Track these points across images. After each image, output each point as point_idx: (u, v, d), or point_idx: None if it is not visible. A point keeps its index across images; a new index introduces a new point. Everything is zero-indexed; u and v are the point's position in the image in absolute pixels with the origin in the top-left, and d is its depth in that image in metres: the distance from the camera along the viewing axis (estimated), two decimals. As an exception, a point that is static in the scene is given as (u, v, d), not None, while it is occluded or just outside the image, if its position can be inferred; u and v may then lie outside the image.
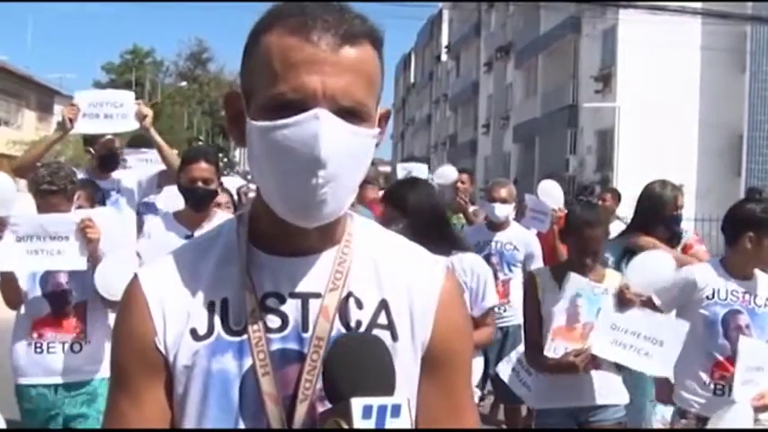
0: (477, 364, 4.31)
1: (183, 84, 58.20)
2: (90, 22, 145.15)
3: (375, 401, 1.23)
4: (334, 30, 1.32)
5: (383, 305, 1.44)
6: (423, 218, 4.12)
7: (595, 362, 4.19)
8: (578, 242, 4.35)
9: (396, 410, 1.24)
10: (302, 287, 1.42)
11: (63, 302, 4.35)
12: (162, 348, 1.42)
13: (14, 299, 4.35)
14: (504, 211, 6.46)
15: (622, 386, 4.35)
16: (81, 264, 4.18)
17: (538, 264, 6.27)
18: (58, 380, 4.33)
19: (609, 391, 4.28)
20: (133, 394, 1.43)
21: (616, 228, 6.14)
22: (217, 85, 57.72)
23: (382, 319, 1.43)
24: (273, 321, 1.41)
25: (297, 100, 1.30)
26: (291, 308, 1.42)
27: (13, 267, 4.22)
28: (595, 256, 4.32)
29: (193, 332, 1.41)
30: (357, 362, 1.30)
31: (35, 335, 4.33)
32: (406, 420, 1.24)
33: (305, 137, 1.29)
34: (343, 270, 1.44)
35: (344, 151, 1.31)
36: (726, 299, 4.08)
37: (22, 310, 4.38)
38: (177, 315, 1.42)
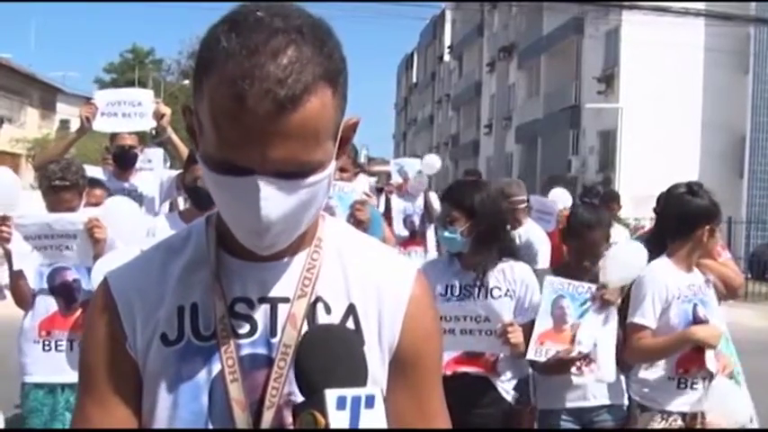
0: (517, 371, 4.31)
1: (186, 82, 58.19)
2: (93, 21, 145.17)
3: (349, 392, 1.23)
4: (274, 92, 1.20)
5: (351, 310, 1.43)
6: (486, 221, 4.07)
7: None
8: (578, 244, 4.35)
9: (370, 401, 1.24)
10: (271, 292, 1.42)
11: (71, 299, 4.37)
12: (132, 353, 1.41)
13: (25, 298, 4.35)
14: None
15: (622, 386, 4.33)
16: (89, 260, 4.21)
17: (542, 260, 6.30)
18: (66, 378, 4.30)
19: (612, 391, 4.28)
20: (101, 399, 1.42)
21: (617, 232, 6.15)
22: (219, 83, 57.48)
23: (350, 324, 1.43)
24: (242, 327, 1.40)
25: (237, 165, 1.25)
26: (260, 313, 1.41)
27: (23, 265, 4.23)
28: (595, 259, 4.30)
29: (164, 337, 1.40)
30: (328, 353, 1.29)
31: (43, 332, 4.34)
32: (380, 411, 1.24)
33: (247, 202, 1.26)
34: (311, 276, 1.43)
35: (290, 210, 1.29)
36: (687, 294, 4.08)
37: (30, 307, 4.39)
38: (147, 320, 1.41)
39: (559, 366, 4.12)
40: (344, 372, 1.27)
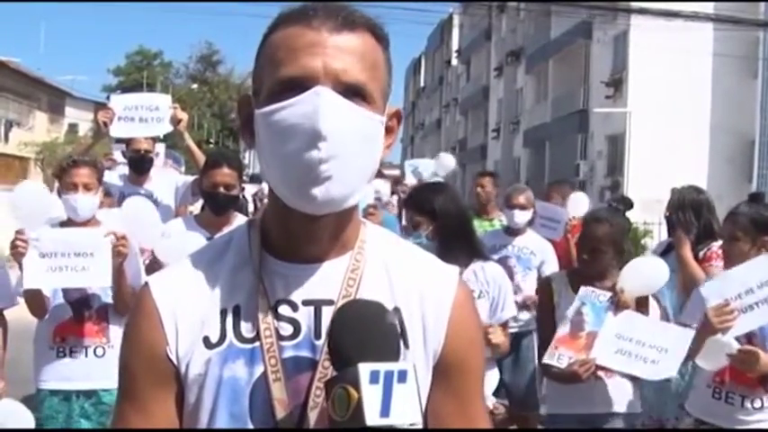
0: (493, 375, 4.27)
1: (194, 86, 58.35)
2: (102, 25, 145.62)
3: (382, 367, 1.24)
4: (335, 16, 1.36)
5: (396, 313, 1.42)
6: (450, 223, 4.07)
7: (608, 370, 4.17)
8: (581, 235, 4.34)
9: (402, 376, 1.25)
10: (315, 294, 1.42)
11: (85, 306, 4.34)
12: (173, 358, 1.41)
13: (40, 310, 4.32)
14: (523, 217, 6.49)
15: (636, 395, 4.29)
16: (106, 280, 4.15)
17: (552, 269, 6.26)
18: (81, 385, 4.31)
19: (622, 399, 4.23)
20: (141, 405, 1.42)
21: None
22: (226, 87, 57.85)
23: None
24: (286, 329, 1.41)
25: (299, 81, 1.33)
26: (304, 315, 1.41)
27: (38, 285, 4.17)
28: (594, 255, 4.24)
29: (206, 340, 1.41)
30: (362, 327, 1.30)
31: (57, 338, 4.31)
32: (412, 386, 1.25)
33: (306, 112, 1.30)
34: (355, 277, 1.44)
35: (346, 127, 1.32)
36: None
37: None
38: (190, 324, 1.41)
39: (571, 376, 4.10)
40: (377, 347, 1.28)
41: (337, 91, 1.32)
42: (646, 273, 4.22)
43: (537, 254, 6.44)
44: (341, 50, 1.35)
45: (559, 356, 4.11)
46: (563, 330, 4.14)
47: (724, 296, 3.78)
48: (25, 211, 4.14)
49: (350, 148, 1.33)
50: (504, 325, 4.16)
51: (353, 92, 1.34)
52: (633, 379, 4.23)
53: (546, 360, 4.12)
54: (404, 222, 8.26)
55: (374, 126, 1.38)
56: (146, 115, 5.75)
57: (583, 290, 4.16)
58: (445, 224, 4.06)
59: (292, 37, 1.36)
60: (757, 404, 3.89)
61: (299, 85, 1.33)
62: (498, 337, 3.96)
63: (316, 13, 1.37)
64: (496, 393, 6.55)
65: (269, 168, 1.38)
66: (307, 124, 1.30)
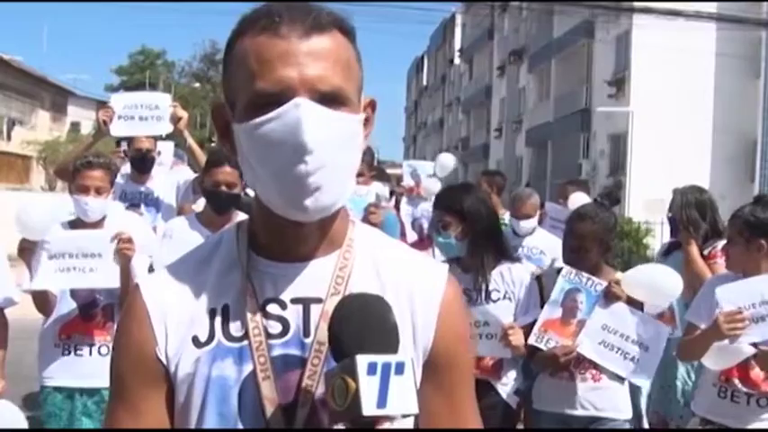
0: (514, 375, 4.27)
1: (197, 85, 58.34)
2: (105, 24, 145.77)
3: (379, 359, 1.25)
4: (302, 21, 1.34)
5: None
6: (479, 223, 4.08)
7: (596, 373, 4.13)
8: (566, 235, 4.30)
9: (399, 368, 1.26)
10: (303, 292, 1.43)
11: (91, 305, 4.37)
12: (163, 358, 1.42)
13: (47, 308, 4.35)
14: (528, 224, 6.53)
15: (627, 401, 4.22)
16: (113, 281, 4.18)
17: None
18: (84, 383, 4.33)
19: (608, 404, 4.16)
20: (132, 405, 1.43)
21: None
22: (229, 86, 57.67)
23: None
24: (274, 327, 1.41)
25: (276, 94, 1.32)
26: (293, 313, 1.42)
27: (47, 286, 4.20)
28: (579, 253, 4.20)
29: (195, 339, 1.41)
30: (361, 320, 1.30)
31: (63, 336, 4.34)
32: (409, 378, 1.26)
33: (288, 126, 1.30)
34: (344, 275, 1.44)
35: (329, 136, 1.32)
36: None
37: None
38: (179, 324, 1.42)
39: (553, 363, 4.09)
40: (376, 338, 1.29)
41: (315, 100, 1.32)
42: (655, 282, 4.15)
43: (547, 253, 6.42)
44: (314, 57, 1.33)
45: (547, 340, 4.09)
46: (553, 313, 4.12)
47: (737, 303, 3.75)
48: (29, 228, 4.19)
49: (334, 156, 1.33)
50: (530, 327, 4.13)
51: (331, 98, 1.33)
52: (622, 380, 4.17)
53: (532, 341, 4.10)
54: (402, 221, 8.28)
55: (353, 127, 1.38)
56: (146, 114, 5.75)
57: (573, 272, 4.12)
58: (474, 225, 4.07)
59: (262, 47, 1.34)
60: (763, 403, 3.86)
61: (277, 98, 1.32)
62: (518, 339, 3.98)
63: (281, 18, 1.34)
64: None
65: (257, 179, 1.39)
66: (290, 138, 1.30)
